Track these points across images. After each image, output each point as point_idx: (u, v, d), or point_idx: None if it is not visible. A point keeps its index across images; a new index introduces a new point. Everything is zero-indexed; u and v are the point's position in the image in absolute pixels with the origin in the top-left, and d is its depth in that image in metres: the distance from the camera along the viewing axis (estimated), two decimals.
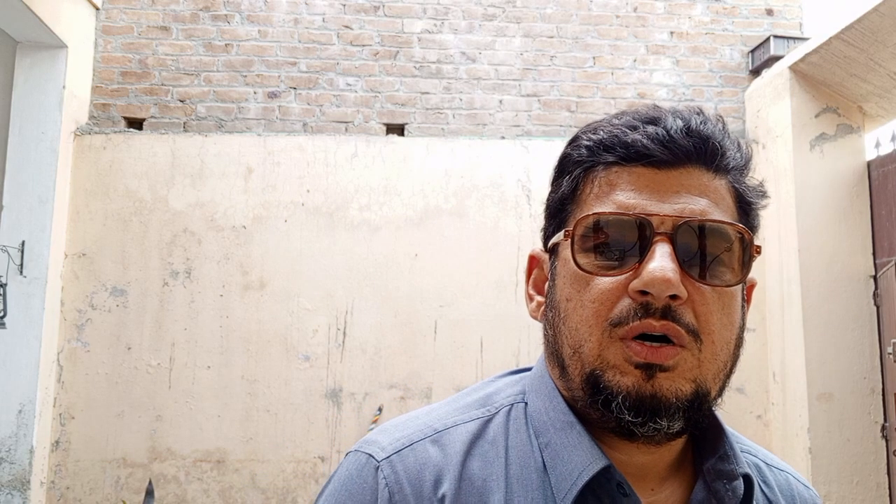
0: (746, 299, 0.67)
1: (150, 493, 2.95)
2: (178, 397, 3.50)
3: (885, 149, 3.44)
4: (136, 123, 3.80)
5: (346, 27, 3.92)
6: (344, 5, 3.93)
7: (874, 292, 3.41)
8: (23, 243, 3.38)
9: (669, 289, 0.56)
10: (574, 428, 0.61)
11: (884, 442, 3.35)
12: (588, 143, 0.63)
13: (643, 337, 0.57)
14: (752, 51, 4.01)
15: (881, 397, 3.37)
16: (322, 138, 3.74)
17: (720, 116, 0.66)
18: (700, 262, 0.59)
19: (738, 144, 0.65)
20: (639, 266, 0.58)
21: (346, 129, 3.83)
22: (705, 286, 0.58)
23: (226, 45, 3.87)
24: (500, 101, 3.90)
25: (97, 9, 3.82)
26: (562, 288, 0.63)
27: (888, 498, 3.31)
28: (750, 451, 0.71)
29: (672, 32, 4.05)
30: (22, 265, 3.36)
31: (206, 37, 3.87)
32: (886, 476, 3.34)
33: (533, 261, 0.72)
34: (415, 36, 3.94)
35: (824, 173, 3.50)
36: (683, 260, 0.58)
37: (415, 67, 3.91)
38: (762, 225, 0.69)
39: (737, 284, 0.60)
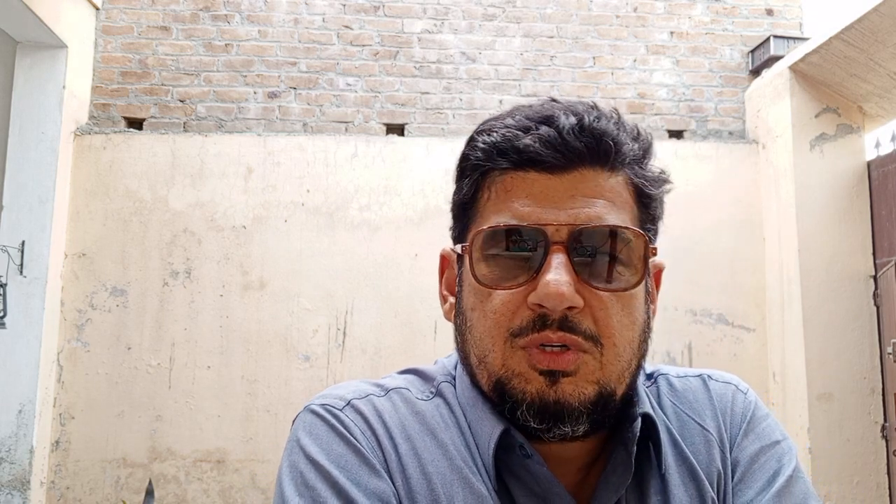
0: (656, 283, 0.69)
1: (150, 493, 2.95)
2: (178, 397, 3.50)
3: (885, 149, 3.44)
4: (136, 123, 3.80)
5: (346, 27, 3.92)
6: (344, 5, 3.93)
7: (874, 292, 3.41)
8: (23, 243, 3.38)
9: (564, 303, 0.56)
10: (479, 400, 0.63)
11: (884, 442, 3.35)
12: (483, 146, 0.63)
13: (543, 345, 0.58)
14: (752, 51, 4.01)
15: (881, 397, 3.37)
16: (322, 138, 3.74)
17: (615, 109, 0.65)
18: (598, 267, 0.59)
19: (637, 134, 0.65)
20: (535, 277, 0.58)
21: (346, 129, 3.83)
22: (603, 292, 0.59)
23: (226, 45, 3.87)
24: (500, 101, 3.90)
25: (97, 9, 3.82)
26: (467, 296, 0.64)
27: (888, 498, 3.31)
28: (665, 373, 0.73)
29: (672, 32, 4.05)
30: (22, 265, 3.36)
31: (206, 37, 3.87)
32: (886, 476, 3.34)
33: (444, 261, 0.72)
34: (415, 36, 3.94)
35: (824, 173, 3.50)
36: (580, 267, 0.58)
37: (415, 67, 3.91)
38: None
39: (636, 286, 0.60)
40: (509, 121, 0.63)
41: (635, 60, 4.01)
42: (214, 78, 3.84)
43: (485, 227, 0.61)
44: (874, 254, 3.45)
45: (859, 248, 3.46)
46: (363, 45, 3.92)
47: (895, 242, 3.32)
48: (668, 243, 3.88)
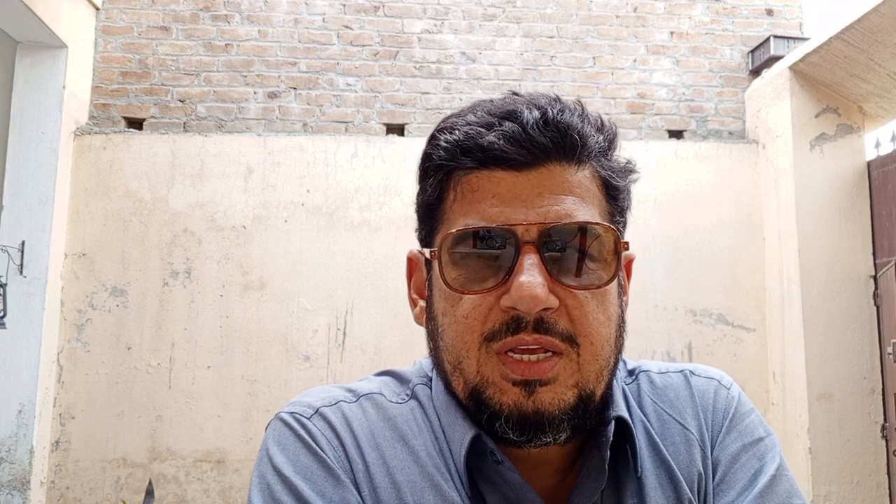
0: (627, 274, 0.67)
1: (150, 493, 2.95)
2: (178, 397, 3.50)
3: (885, 149, 3.44)
4: (136, 123, 3.80)
5: (346, 27, 3.92)
6: (344, 5, 3.93)
7: (874, 292, 3.41)
8: (23, 243, 3.38)
9: (538, 305, 0.55)
10: (452, 404, 0.63)
11: (884, 442, 3.35)
12: (446, 144, 0.61)
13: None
14: (752, 51, 4.01)
15: (881, 397, 3.37)
16: (322, 138, 3.74)
17: (578, 100, 0.63)
18: (570, 265, 0.58)
19: (601, 124, 0.63)
20: (508, 279, 0.56)
21: (346, 129, 3.83)
22: (578, 290, 0.57)
23: (226, 45, 3.87)
24: None
25: (97, 9, 3.82)
26: (437, 301, 0.63)
27: (888, 498, 3.31)
28: (646, 369, 0.71)
29: (672, 32, 4.05)
30: (22, 265, 3.36)
31: (206, 37, 3.87)
32: (886, 476, 3.34)
33: (412, 263, 0.70)
34: (415, 36, 3.94)
35: (824, 173, 3.50)
36: (552, 266, 0.57)
37: (415, 67, 3.91)
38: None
39: (609, 282, 0.59)
40: (471, 117, 0.61)
41: (635, 60, 4.01)
42: (214, 78, 3.84)
43: (452, 231, 0.59)
44: (874, 254, 3.45)
45: (859, 248, 3.46)
46: (363, 45, 3.91)
47: (895, 242, 3.32)
48: (668, 243, 3.85)
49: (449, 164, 0.61)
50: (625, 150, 0.66)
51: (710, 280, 3.71)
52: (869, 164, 3.51)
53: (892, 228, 3.33)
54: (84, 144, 3.65)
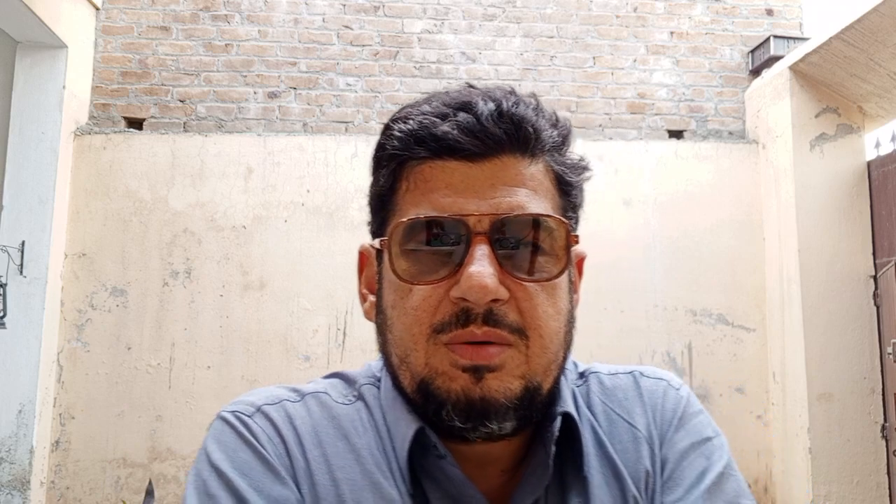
0: (578, 272, 0.67)
1: (150, 493, 2.95)
2: (178, 397, 3.50)
3: (885, 149, 3.44)
4: (136, 123, 3.80)
5: (346, 27, 3.92)
6: (344, 5, 3.93)
7: (874, 292, 3.41)
8: (23, 243, 3.38)
9: (487, 295, 0.55)
10: (398, 401, 0.62)
11: (884, 442, 3.35)
12: (399, 134, 0.61)
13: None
14: (752, 51, 4.01)
15: (881, 397, 3.37)
16: (322, 138, 3.74)
17: (534, 94, 0.64)
18: (521, 257, 0.58)
19: (555, 120, 0.64)
20: (458, 270, 0.56)
21: (346, 129, 3.83)
22: (528, 282, 0.57)
23: (226, 45, 3.87)
24: None
25: (97, 9, 3.82)
26: (387, 293, 0.62)
27: (888, 498, 3.31)
28: (596, 371, 0.71)
29: (672, 32, 4.05)
30: (22, 265, 3.36)
31: (206, 37, 3.87)
32: (886, 476, 3.34)
33: (363, 257, 0.70)
34: (415, 36, 3.94)
35: (824, 173, 3.50)
36: (503, 258, 0.57)
37: (415, 67, 3.91)
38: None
39: (559, 275, 0.59)
40: (426, 108, 0.61)
41: (635, 60, 4.01)
42: (214, 78, 3.84)
43: (403, 220, 0.59)
44: (874, 254, 3.45)
45: (859, 248, 3.46)
46: (363, 45, 3.92)
47: (895, 242, 3.32)
48: (668, 243, 3.85)
49: (402, 154, 0.61)
50: (625, 150, 0.66)
51: (710, 280, 3.71)
52: (869, 164, 3.51)
53: (892, 228, 3.33)
54: (84, 144, 3.65)
